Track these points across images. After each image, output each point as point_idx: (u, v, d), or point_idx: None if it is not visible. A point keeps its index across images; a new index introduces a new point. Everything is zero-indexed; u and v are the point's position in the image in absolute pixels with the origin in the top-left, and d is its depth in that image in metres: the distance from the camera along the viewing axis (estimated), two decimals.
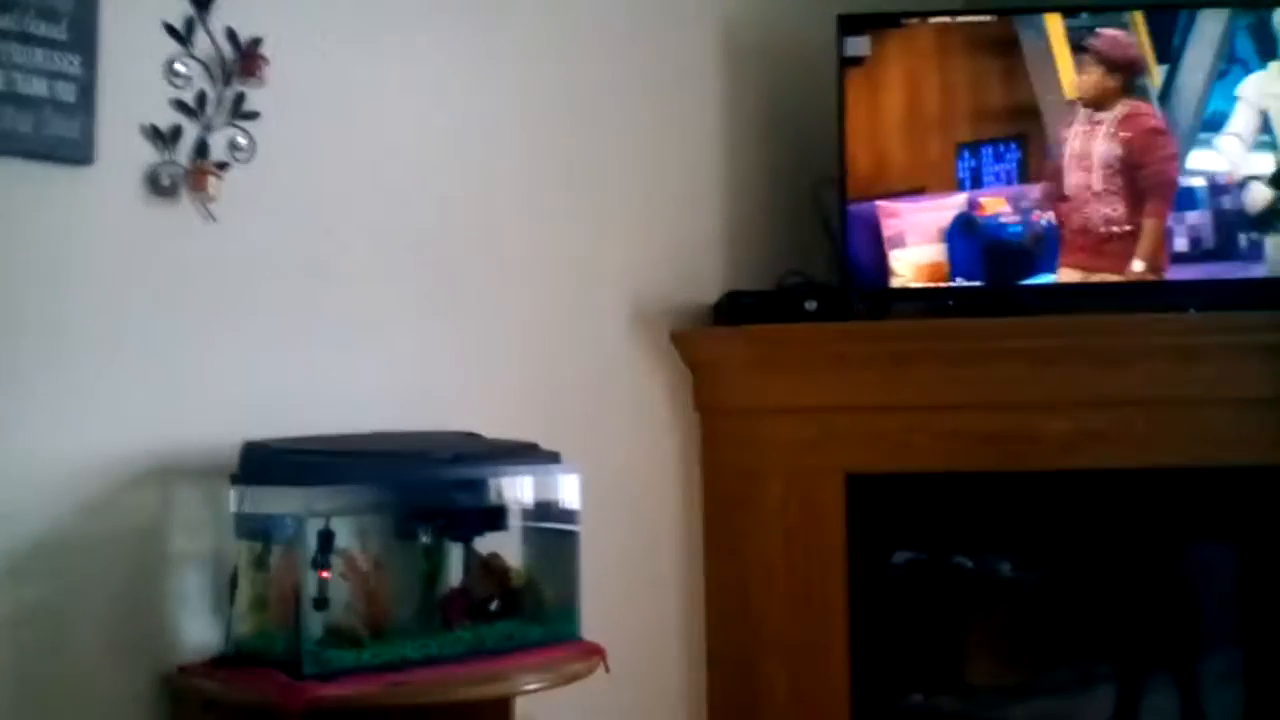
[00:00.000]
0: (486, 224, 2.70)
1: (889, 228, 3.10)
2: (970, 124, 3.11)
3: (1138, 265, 3.05)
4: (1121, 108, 3.08)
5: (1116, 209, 3.07)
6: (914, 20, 3.12)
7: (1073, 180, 3.09)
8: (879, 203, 3.09)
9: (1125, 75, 3.09)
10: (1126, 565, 3.22)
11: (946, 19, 3.11)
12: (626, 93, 2.97)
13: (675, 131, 3.10)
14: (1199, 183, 3.08)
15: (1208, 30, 3.08)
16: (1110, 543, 3.16)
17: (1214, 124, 3.08)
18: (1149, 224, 3.06)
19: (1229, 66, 3.09)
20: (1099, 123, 3.09)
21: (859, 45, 3.10)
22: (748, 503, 3.04)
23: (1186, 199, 3.08)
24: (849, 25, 3.10)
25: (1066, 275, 3.08)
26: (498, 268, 2.71)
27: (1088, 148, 3.09)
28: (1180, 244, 3.06)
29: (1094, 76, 3.09)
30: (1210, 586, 3.15)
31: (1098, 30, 3.09)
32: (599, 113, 2.92)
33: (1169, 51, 3.09)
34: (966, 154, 3.11)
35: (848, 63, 3.09)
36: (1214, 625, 3.13)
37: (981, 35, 3.11)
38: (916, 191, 3.10)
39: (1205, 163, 3.08)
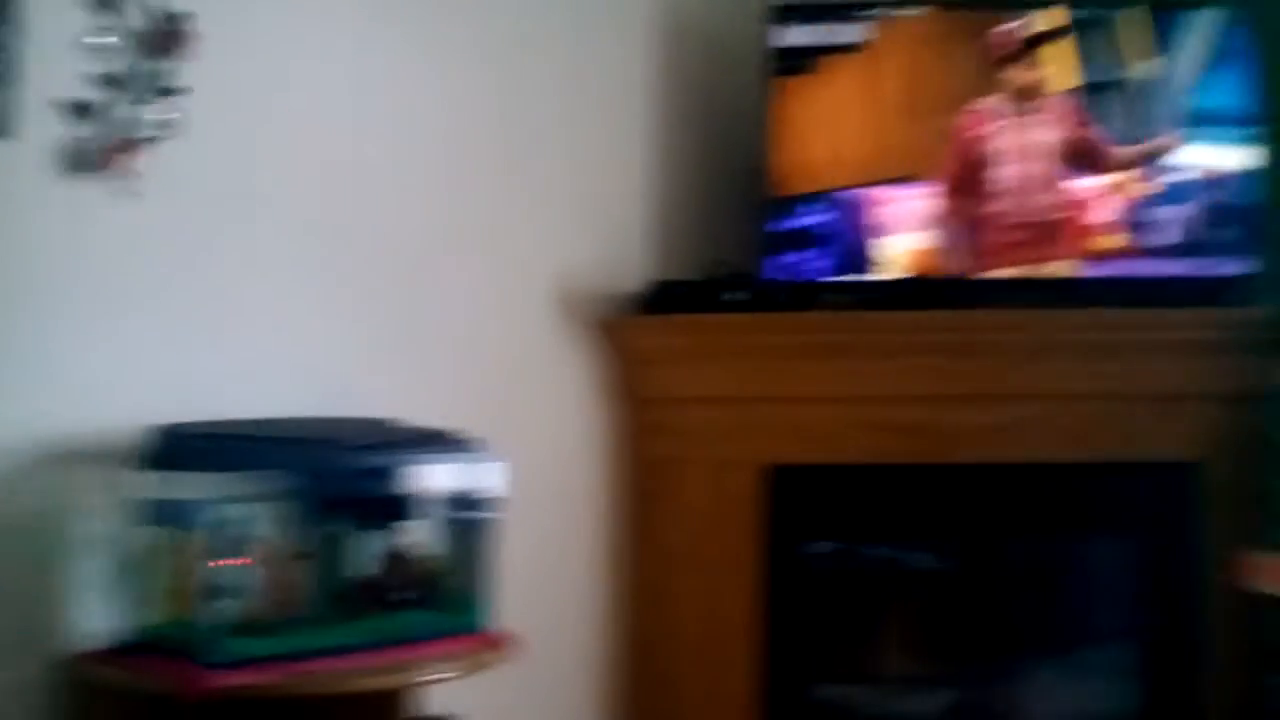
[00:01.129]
0: (411, 209, 2.68)
1: (876, 216, 3.12)
2: (909, 116, 3.13)
3: (1065, 260, 3.10)
4: (1049, 100, 3.12)
5: (1047, 202, 3.11)
6: (848, 12, 3.13)
7: (1003, 174, 3.12)
8: (864, 191, 3.10)
9: (1042, 66, 3.12)
10: (1038, 558, 3.28)
11: (878, 11, 3.13)
12: (555, 79, 2.96)
13: (605, 119, 3.09)
14: (1183, 178, 3.11)
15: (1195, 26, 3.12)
16: (1023, 535, 3.22)
17: (1199, 119, 3.11)
18: (1078, 218, 3.10)
19: (1218, 62, 3.12)
20: (1028, 115, 3.12)
21: (789, 36, 3.11)
22: (668, 492, 3.06)
23: (1169, 194, 3.10)
24: (779, 15, 3.11)
25: (994, 270, 3.11)
26: (422, 254, 2.70)
27: (1018, 141, 3.12)
28: (1160, 237, 3.10)
29: (1018, 69, 3.12)
30: (1118, 579, 3.20)
31: (1000, 23, 3.11)
32: (526, 99, 2.91)
33: (1157, 47, 3.11)
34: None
35: (777, 53, 3.10)
36: (1121, 617, 3.18)
37: (916, 29, 3.13)
38: (905, 179, 3.11)
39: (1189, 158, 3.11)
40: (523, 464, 2.67)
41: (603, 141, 3.08)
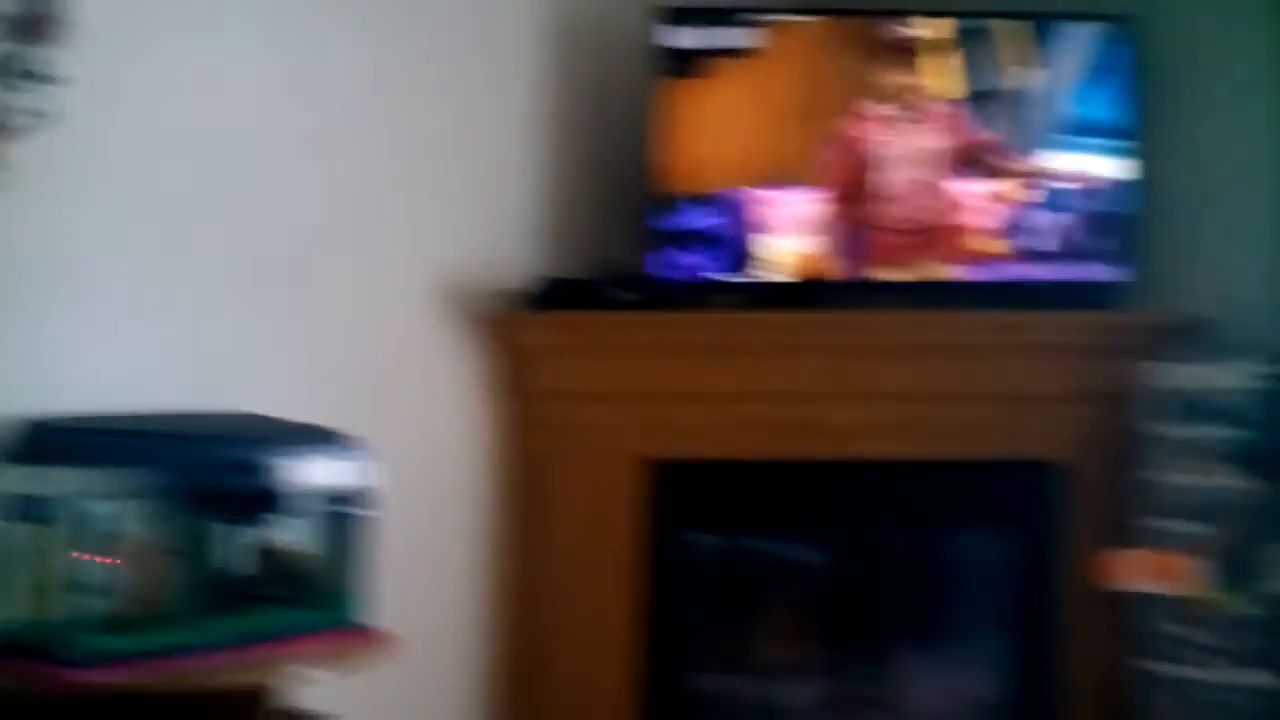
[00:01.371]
0: (293, 204, 2.67)
1: (762, 217, 3.15)
2: (796, 120, 3.18)
3: (947, 264, 3.17)
4: (933, 105, 3.18)
5: (927, 207, 3.18)
6: (739, 15, 3.17)
7: (887, 178, 3.18)
8: (750, 192, 3.14)
9: (922, 72, 3.19)
10: (912, 552, 3.37)
11: (767, 17, 3.17)
12: (442, 74, 2.96)
13: (493, 116, 3.10)
14: (1059, 185, 3.20)
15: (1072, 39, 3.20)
16: (898, 530, 3.31)
17: (1076, 129, 3.20)
18: (959, 222, 3.17)
19: (1095, 74, 3.21)
20: (912, 120, 3.19)
21: (679, 37, 3.14)
22: (552, 488, 3.08)
23: (1046, 201, 3.19)
24: (669, 17, 3.14)
25: (877, 272, 3.18)
26: (304, 248, 2.68)
27: (902, 146, 3.19)
28: (1037, 243, 3.18)
29: (900, 75, 3.19)
30: (988, 573, 3.30)
31: (894, 27, 3.18)
32: (412, 94, 2.90)
33: (1035, 58, 3.19)
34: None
35: (666, 54, 3.13)
36: (990, 609, 3.28)
37: (804, 35, 3.19)
38: (789, 182, 3.16)
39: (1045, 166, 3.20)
40: (405, 460, 2.70)
41: (490, 138, 3.09)
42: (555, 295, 3.07)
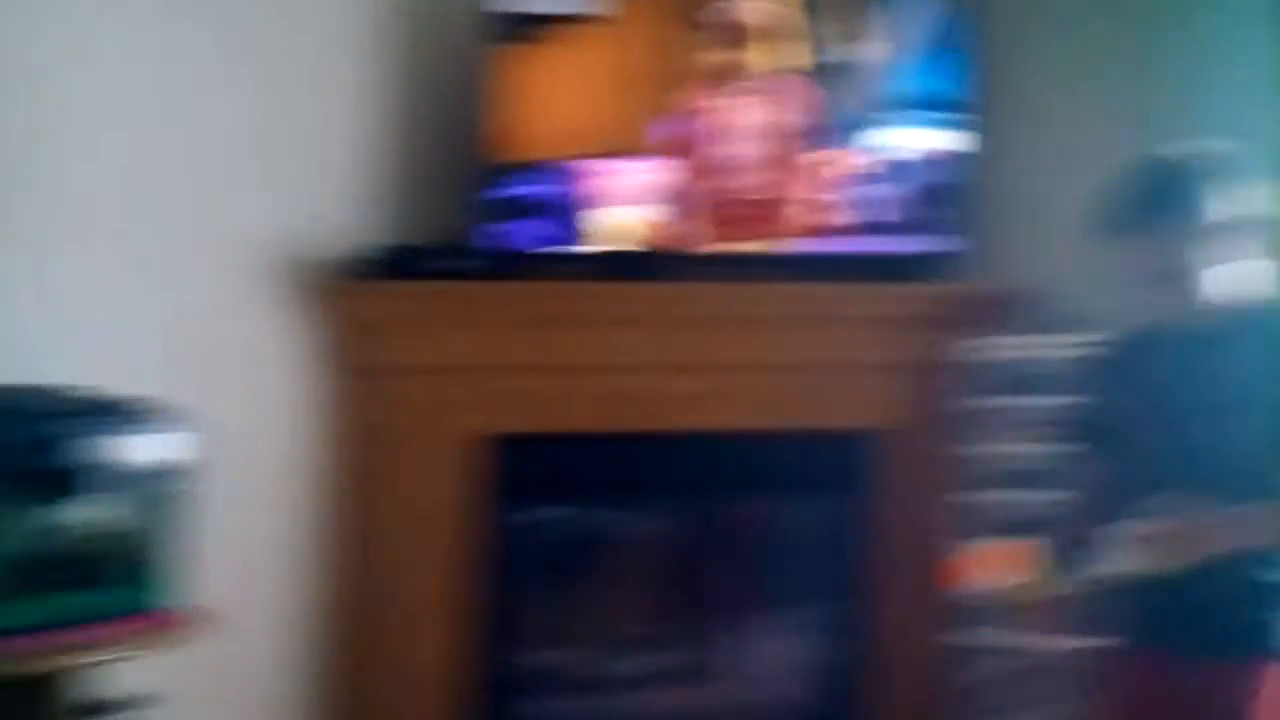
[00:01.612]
0: (112, 170, 2.59)
1: (598, 187, 3.13)
2: (630, 90, 3.15)
3: (784, 236, 3.19)
4: (769, 79, 3.19)
5: (765, 180, 3.19)
6: None
7: (725, 151, 3.19)
8: (585, 162, 3.11)
9: (757, 46, 3.20)
10: (743, 522, 3.41)
11: None
12: (268, 40, 2.87)
13: (322, 81, 3.01)
14: (894, 157, 3.24)
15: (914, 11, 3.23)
16: (730, 500, 3.35)
17: (895, 103, 3.24)
18: (796, 195, 3.19)
19: (935, 48, 3.26)
20: (749, 95, 3.20)
21: (511, 2, 3.08)
22: (387, 463, 3.03)
23: (879, 173, 3.23)
24: None
25: (716, 244, 3.19)
26: (124, 216, 2.61)
27: (742, 120, 3.19)
28: (844, 217, 3.22)
29: (736, 47, 3.19)
30: (817, 541, 3.36)
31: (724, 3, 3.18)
32: (237, 60, 2.81)
33: (876, 29, 3.22)
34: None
35: (498, 19, 3.07)
36: (818, 576, 3.34)
37: (640, 4, 3.16)
38: (621, 153, 3.14)
39: (883, 140, 3.24)
40: (231, 434, 2.63)
41: (319, 105, 3.00)
42: (388, 265, 3.00)
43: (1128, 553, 1.80)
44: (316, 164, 3.00)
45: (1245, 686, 1.88)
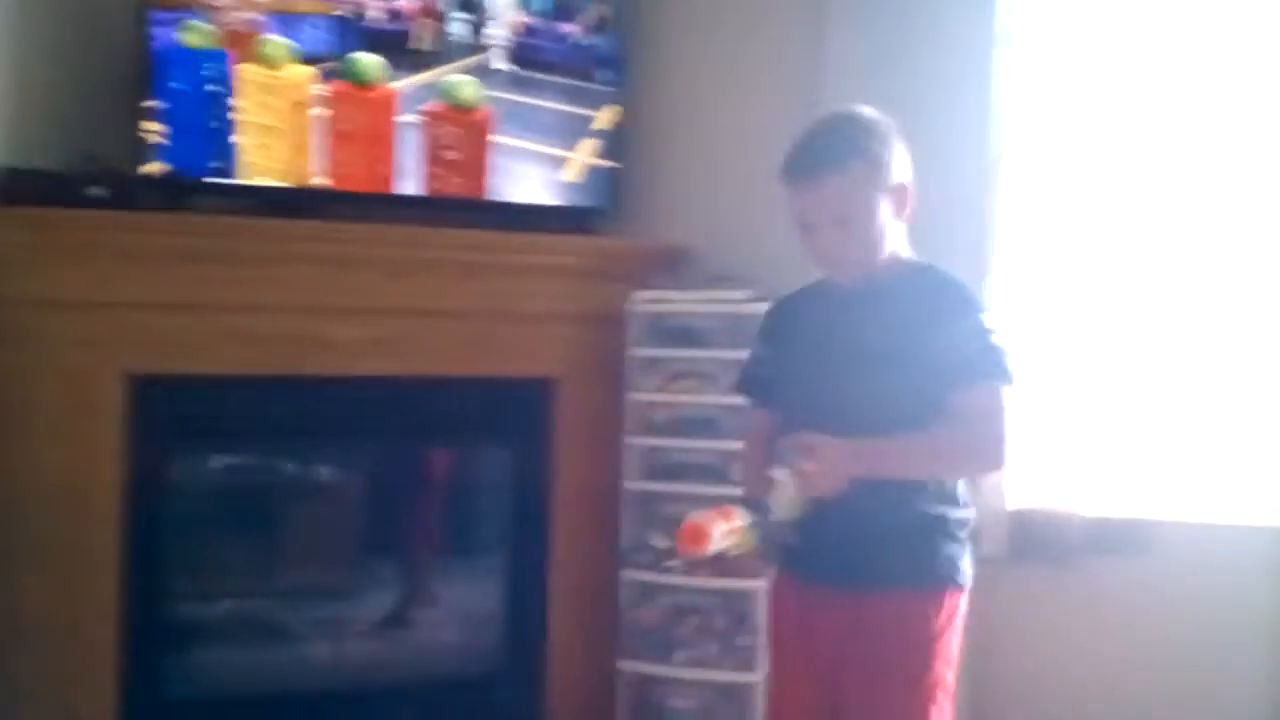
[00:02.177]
0: None
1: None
2: None
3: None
4: None
5: None
6: None
7: None
8: None
9: None
10: (414, 469, 3.38)
11: None
12: None
13: None
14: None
15: None
16: (399, 447, 3.30)
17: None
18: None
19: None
20: None
21: None
22: (20, 404, 2.78)
23: None
24: None
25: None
26: None
27: None
28: None
29: None
30: (489, 489, 3.36)
31: None
32: None
33: None
34: None
35: None
36: (491, 524, 3.35)
37: None
38: None
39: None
40: None
41: None
42: (20, 189, 2.74)
43: (782, 495, 1.90)
44: None
45: (909, 615, 1.99)
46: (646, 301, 3.12)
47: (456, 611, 3.37)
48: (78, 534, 2.82)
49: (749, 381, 2.21)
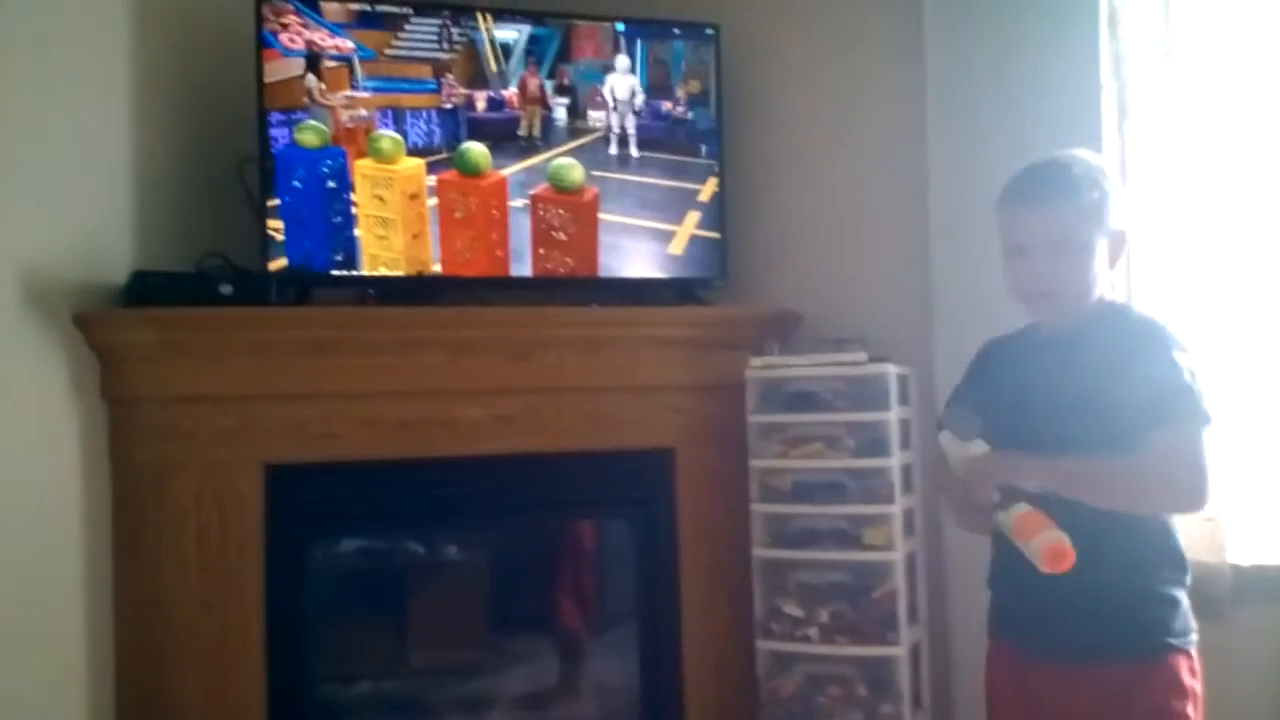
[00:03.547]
0: None
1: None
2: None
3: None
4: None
5: None
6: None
7: None
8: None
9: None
10: (542, 544, 3.41)
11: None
12: (26, 59, 2.64)
13: (78, 99, 2.82)
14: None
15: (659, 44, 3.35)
16: (526, 524, 3.33)
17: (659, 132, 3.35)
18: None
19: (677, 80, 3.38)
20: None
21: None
22: (159, 498, 2.85)
23: None
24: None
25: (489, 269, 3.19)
26: None
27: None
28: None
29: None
30: (613, 561, 3.38)
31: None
32: None
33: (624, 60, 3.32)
34: None
35: (265, 38, 3.00)
36: (620, 597, 3.35)
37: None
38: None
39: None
40: None
41: (78, 128, 2.80)
42: (150, 290, 2.83)
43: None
44: (79, 186, 2.80)
45: (1133, 688, 1.94)
46: (762, 367, 3.14)
47: (593, 685, 3.37)
48: (226, 623, 2.87)
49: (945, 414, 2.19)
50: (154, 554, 2.85)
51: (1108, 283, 2.04)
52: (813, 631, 2.98)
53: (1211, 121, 2.97)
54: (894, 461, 2.95)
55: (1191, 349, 1.98)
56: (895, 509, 2.94)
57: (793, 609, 3.02)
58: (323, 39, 3.09)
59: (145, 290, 2.84)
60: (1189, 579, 2.02)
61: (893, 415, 2.97)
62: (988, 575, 2.14)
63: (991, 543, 2.12)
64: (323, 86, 3.07)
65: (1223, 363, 2.89)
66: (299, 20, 3.05)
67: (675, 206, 3.35)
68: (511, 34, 3.26)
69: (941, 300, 3.19)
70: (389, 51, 3.14)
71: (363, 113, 3.11)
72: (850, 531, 2.98)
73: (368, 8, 3.12)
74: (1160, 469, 1.89)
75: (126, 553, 2.85)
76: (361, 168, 3.10)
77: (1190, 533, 2.87)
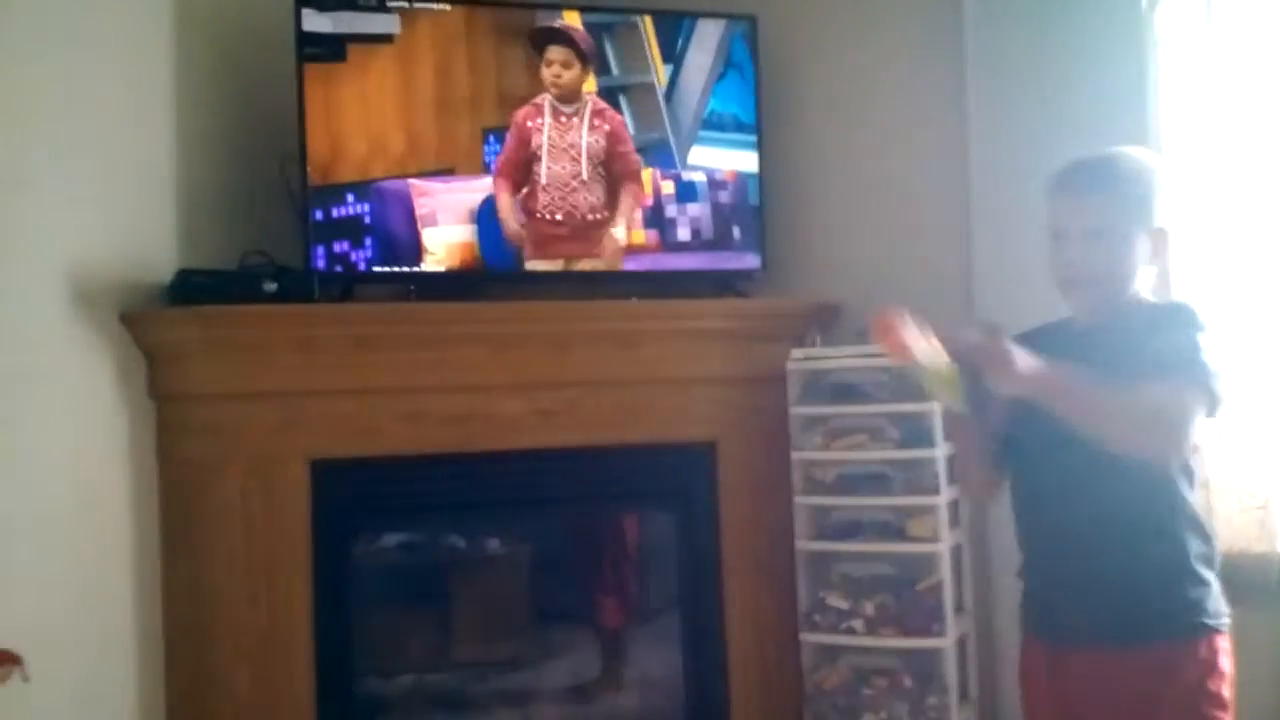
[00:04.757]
0: None
1: (421, 206, 3.10)
2: (444, 109, 3.14)
3: (594, 255, 3.22)
4: (589, 101, 3.23)
5: (596, 198, 3.22)
6: (375, 2, 3.09)
7: (554, 170, 3.20)
8: (404, 182, 3.09)
9: (590, 69, 3.24)
10: (585, 537, 3.42)
11: (404, 4, 3.12)
12: (62, 54, 2.68)
13: (122, 100, 2.85)
14: (699, 178, 3.32)
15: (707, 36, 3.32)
16: (569, 517, 3.35)
17: (713, 123, 3.34)
18: (626, 213, 3.24)
19: (726, 70, 3.34)
20: (568, 115, 3.22)
21: (316, 22, 3.03)
22: (207, 494, 2.88)
23: (687, 192, 3.31)
24: (307, 1, 3.02)
25: (533, 263, 3.19)
26: None
27: (559, 139, 3.21)
28: (682, 234, 3.30)
29: (565, 70, 3.21)
30: (655, 553, 3.39)
31: (567, 24, 3.22)
32: (30, 83, 2.60)
33: (673, 53, 3.30)
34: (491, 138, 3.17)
35: (305, 39, 3.01)
36: (664, 588, 3.36)
37: (444, 23, 3.14)
38: (446, 172, 3.12)
39: (704, 159, 3.33)
40: (31, 469, 2.47)
41: (121, 129, 2.84)
42: (195, 289, 2.86)
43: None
44: (124, 188, 2.84)
45: (1169, 668, 1.92)
46: (803, 359, 3.13)
47: (637, 678, 3.38)
48: (273, 617, 2.89)
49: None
50: (202, 548, 2.89)
51: (1147, 280, 2.02)
52: (858, 624, 2.98)
53: (1252, 104, 2.94)
54: (938, 453, 2.94)
55: (1216, 332, 1.95)
56: (940, 500, 2.94)
57: (837, 601, 3.02)
58: None
59: (190, 289, 2.87)
60: (1219, 562, 2.00)
61: (936, 406, 2.96)
62: (1019, 567, 2.13)
63: (1020, 533, 2.11)
64: None
65: (1269, 351, 2.87)
66: None
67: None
68: None
69: (982, 291, 3.17)
70: None
71: None
72: (894, 523, 2.98)
73: (405, 5, 3.13)
74: (1141, 409, 1.83)
75: (175, 548, 2.89)
76: None
77: (1237, 521, 2.92)
